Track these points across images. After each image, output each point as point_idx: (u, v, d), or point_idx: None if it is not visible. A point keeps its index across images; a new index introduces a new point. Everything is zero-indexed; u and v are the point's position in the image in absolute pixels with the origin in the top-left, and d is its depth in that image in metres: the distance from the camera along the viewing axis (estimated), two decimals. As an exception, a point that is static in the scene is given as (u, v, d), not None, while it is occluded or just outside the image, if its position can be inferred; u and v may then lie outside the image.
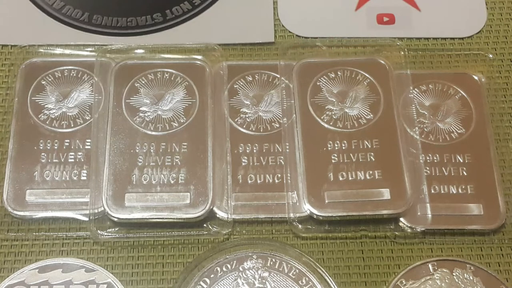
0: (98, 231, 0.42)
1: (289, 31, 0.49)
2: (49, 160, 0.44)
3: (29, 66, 0.47)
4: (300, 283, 0.41)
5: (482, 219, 0.43)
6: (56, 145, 0.44)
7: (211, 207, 0.43)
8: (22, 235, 0.43)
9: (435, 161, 0.44)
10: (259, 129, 0.45)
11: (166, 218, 0.43)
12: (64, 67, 0.47)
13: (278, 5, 0.50)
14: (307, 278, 0.41)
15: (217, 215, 0.43)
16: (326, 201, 0.43)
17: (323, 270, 0.41)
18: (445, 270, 0.42)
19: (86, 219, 0.42)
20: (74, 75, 0.47)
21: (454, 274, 0.41)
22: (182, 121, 0.45)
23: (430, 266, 0.42)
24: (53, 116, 0.45)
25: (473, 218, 0.43)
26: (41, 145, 0.44)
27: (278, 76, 0.47)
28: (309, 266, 0.42)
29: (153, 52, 0.48)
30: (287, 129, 0.45)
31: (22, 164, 0.44)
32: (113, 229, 0.43)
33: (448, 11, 0.50)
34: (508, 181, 0.44)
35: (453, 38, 0.49)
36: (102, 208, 0.42)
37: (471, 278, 0.41)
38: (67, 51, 0.48)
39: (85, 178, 0.43)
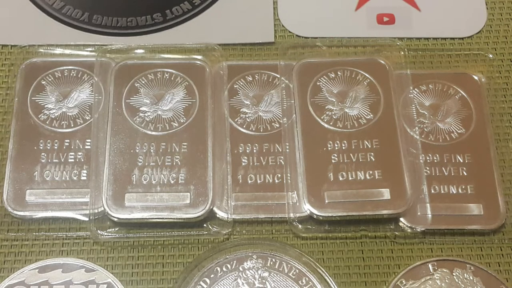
0: (98, 231, 0.42)
1: (289, 31, 0.49)
2: (49, 160, 0.44)
3: (29, 66, 0.47)
4: (300, 283, 0.41)
5: (482, 219, 0.43)
6: (56, 145, 0.44)
7: (211, 207, 0.43)
8: (22, 235, 0.43)
9: (435, 161, 0.44)
10: (259, 129, 0.45)
11: (166, 218, 0.43)
12: (64, 67, 0.47)
13: (278, 5, 0.50)
14: (307, 278, 0.41)
15: (217, 215, 0.43)
16: (326, 201, 0.43)
17: (323, 270, 0.41)
18: (445, 270, 0.42)
19: (86, 219, 0.42)
20: (74, 75, 0.47)
21: (454, 274, 0.41)
22: (182, 121, 0.45)
23: (430, 266, 0.42)
24: (53, 116, 0.45)
25: (473, 218, 0.43)
26: (41, 145, 0.44)
27: (278, 76, 0.47)
28: (309, 266, 0.42)
29: (153, 52, 0.48)
30: (287, 129, 0.45)
31: (22, 164, 0.44)
32: (113, 229, 0.43)
33: (448, 11, 0.50)
34: (508, 181, 0.44)
35: (453, 38, 0.49)
36: (102, 208, 0.42)
37: (471, 278, 0.41)
38: (67, 51, 0.48)
39: (85, 178, 0.43)
